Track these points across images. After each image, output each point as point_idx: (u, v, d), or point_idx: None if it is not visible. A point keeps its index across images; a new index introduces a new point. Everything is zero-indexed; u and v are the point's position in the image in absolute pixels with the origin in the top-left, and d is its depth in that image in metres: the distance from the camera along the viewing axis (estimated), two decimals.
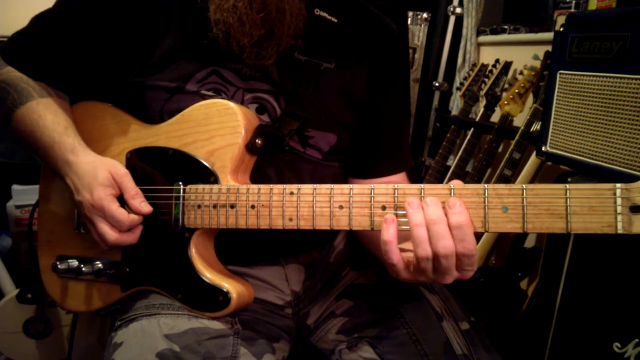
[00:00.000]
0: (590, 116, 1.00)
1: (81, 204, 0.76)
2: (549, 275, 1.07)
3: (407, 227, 0.61)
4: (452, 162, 1.94)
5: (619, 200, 0.55)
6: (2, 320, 1.53)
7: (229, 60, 0.80)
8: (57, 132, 0.80)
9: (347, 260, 0.95)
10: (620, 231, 0.55)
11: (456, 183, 0.62)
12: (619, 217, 0.54)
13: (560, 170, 1.15)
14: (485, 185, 0.60)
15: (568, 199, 0.56)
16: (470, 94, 2.01)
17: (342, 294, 0.90)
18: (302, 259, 0.91)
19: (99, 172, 0.75)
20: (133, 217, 0.76)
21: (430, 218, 0.59)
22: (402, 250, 0.65)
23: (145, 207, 0.77)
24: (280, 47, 0.78)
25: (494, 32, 2.18)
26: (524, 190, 0.58)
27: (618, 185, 0.55)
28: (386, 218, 0.62)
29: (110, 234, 0.75)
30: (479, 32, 2.25)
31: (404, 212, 0.62)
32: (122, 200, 0.77)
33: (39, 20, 0.86)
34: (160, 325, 0.75)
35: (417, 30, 2.32)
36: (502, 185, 0.59)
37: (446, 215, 0.59)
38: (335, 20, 0.85)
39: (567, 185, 0.56)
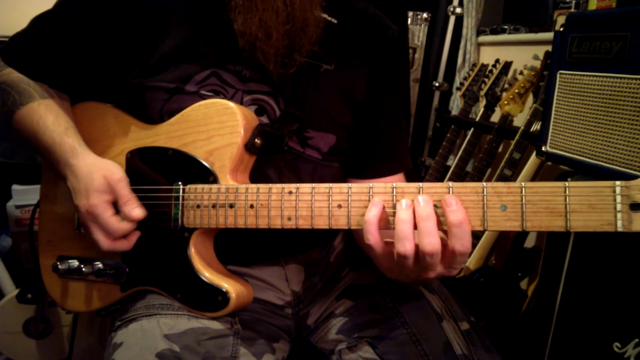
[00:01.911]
0: (590, 116, 1.00)
1: (78, 208, 0.77)
2: (549, 275, 1.07)
3: None
4: (452, 162, 1.94)
5: (618, 198, 0.54)
6: (2, 320, 1.53)
7: (229, 62, 0.80)
8: (58, 132, 0.80)
9: (347, 261, 0.95)
10: (620, 229, 0.54)
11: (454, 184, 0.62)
12: (619, 215, 0.54)
13: (561, 170, 1.15)
14: (484, 184, 0.59)
15: (567, 197, 0.56)
16: (470, 94, 2.01)
17: (342, 294, 0.90)
18: (302, 259, 0.91)
19: (95, 177, 0.76)
20: (124, 226, 0.76)
21: (420, 215, 0.60)
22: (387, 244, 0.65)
23: (137, 213, 0.76)
24: (302, 55, 0.79)
25: (494, 32, 2.18)
26: (523, 189, 0.58)
27: (618, 182, 0.54)
28: (373, 200, 0.63)
29: (103, 241, 0.76)
30: (479, 32, 2.25)
31: None
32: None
33: (39, 21, 0.86)
34: (160, 325, 0.75)
35: (417, 30, 2.32)
36: (501, 184, 0.59)
37: (444, 213, 0.60)
38: (335, 22, 0.85)
39: (567, 183, 0.56)
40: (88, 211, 0.75)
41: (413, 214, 0.60)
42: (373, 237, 0.63)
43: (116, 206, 0.77)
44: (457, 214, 0.58)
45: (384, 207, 0.63)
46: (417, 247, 0.60)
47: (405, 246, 0.60)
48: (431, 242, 0.59)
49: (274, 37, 0.75)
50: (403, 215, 0.60)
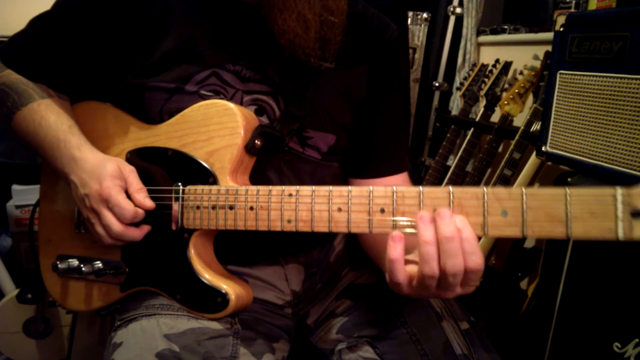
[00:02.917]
0: (590, 116, 1.00)
1: (87, 197, 0.75)
2: (549, 275, 1.08)
3: (412, 229, 0.61)
4: (452, 162, 1.94)
5: (619, 205, 0.53)
6: (2, 320, 1.53)
7: (229, 62, 0.80)
8: (62, 131, 0.80)
9: (346, 260, 0.95)
10: (621, 237, 0.53)
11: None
12: (620, 223, 0.53)
13: (560, 170, 1.15)
14: (485, 189, 0.58)
15: (568, 204, 0.55)
16: (470, 94, 2.01)
17: (342, 294, 0.90)
18: (302, 258, 0.91)
19: (108, 165, 0.76)
20: (137, 209, 0.75)
21: (443, 235, 0.57)
22: (405, 261, 0.64)
23: (148, 202, 0.77)
24: (336, 45, 0.80)
25: (494, 32, 2.18)
26: (524, 195, 0.56)
27: (619, 189, 0.53)
28: (393, 235, 0.59)
29: (115, 224, 0.74)
30: (479, 32, 2.24)
31: (403, 218, 0.62)
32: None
33: (38, 22, 0.86)
34: (159, 325, 0.75)
35: (417, 30, 2.31)
36: (502, 189, 0.58)
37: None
38: (336, 21, 0.85)
39: (568, 190, 0.55)
40: (101, 195, 0.74)
41: (435, 228, 0.58)
42: (401, 274, 0.60)
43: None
44: (464, 231, 0.57)
45: (404, 235, 0.60)
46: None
47: (433, 268, 0.58)
48: (455, 263, 0.57)
49: (312, 29, 0.76)
50: (428, 237, 0.57)
